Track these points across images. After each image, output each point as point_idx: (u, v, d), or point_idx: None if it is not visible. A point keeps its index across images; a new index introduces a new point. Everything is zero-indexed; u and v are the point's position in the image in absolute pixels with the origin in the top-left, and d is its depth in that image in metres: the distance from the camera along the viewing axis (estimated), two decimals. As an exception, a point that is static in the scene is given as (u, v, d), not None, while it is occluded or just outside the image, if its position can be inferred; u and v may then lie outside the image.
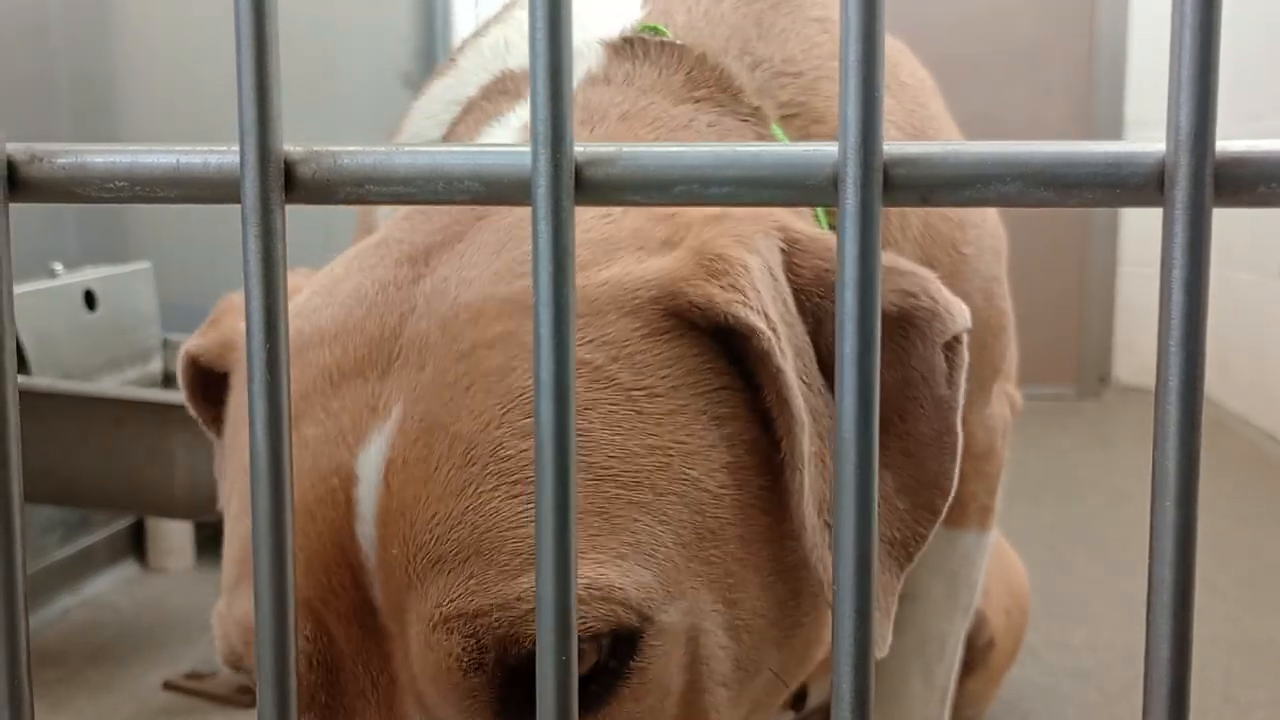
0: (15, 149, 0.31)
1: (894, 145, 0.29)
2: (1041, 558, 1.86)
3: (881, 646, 0.55)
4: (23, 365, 1.54)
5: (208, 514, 1.47)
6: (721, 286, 0.51)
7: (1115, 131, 3.23)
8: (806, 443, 0.51)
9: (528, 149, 0.29)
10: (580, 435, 0.48)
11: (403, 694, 0.49)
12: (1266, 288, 2.77)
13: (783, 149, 0.30)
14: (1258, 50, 2.78)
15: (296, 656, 0.46)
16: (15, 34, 1.72)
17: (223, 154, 0.31)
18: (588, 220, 0.55)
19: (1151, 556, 0.27)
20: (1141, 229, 3.29)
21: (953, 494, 0.55)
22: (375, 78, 2.61)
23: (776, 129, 0.70)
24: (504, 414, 0.48)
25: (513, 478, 0.47)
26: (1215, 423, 2.87)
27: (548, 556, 0.29)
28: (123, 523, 1.86)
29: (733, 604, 0.52)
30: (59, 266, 1.70)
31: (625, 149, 0.30)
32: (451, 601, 0.47)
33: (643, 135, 0.65)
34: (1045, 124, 3.21)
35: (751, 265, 0.52)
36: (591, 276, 0.52)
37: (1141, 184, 0.27)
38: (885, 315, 0.54)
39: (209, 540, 1.92)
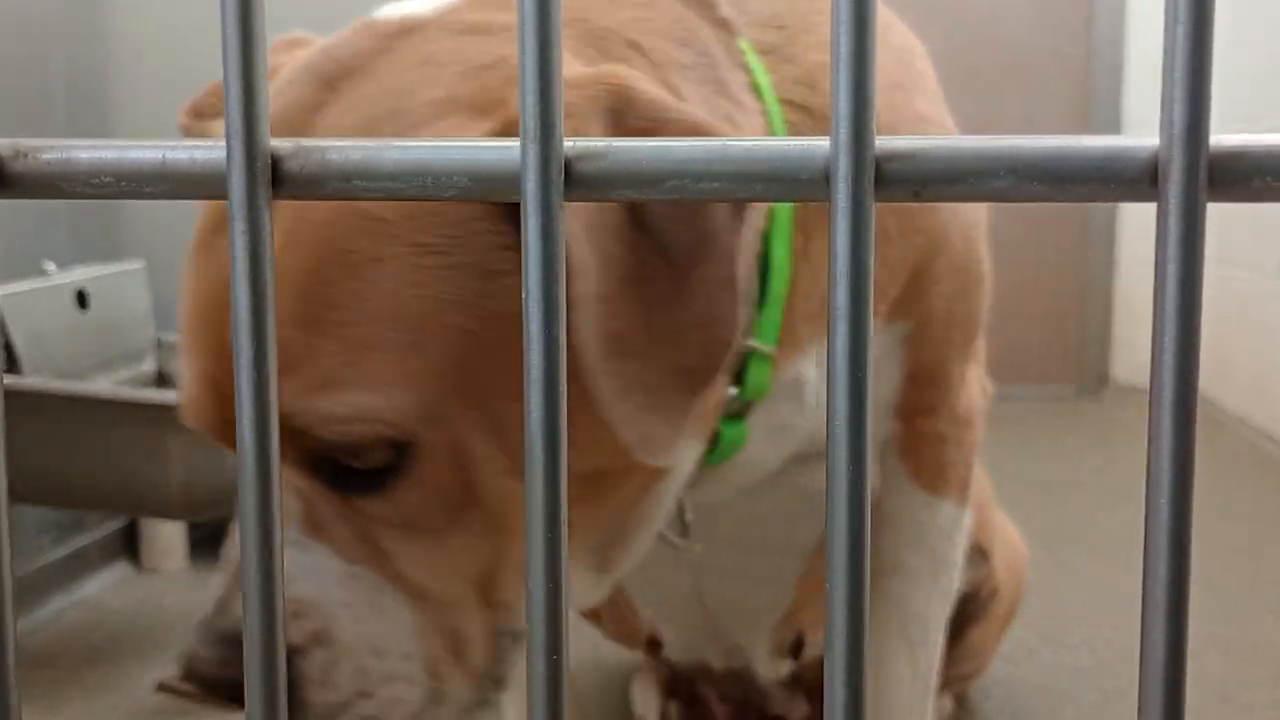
0: (0, 144, 0.31)
1: (886, 140, 0.28)
2: (1041, 558, 1.86)
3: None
4: (14, 365, 1.53)
5: (201, 514, 1.47)
6: None
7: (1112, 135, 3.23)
8: (589, 285, 0.58)
9: (517, 144, 0.29)
10: (368, 285, 0.58)
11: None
12: (1265, 286, 2.77)
13: (774, 144, 0.29)
14: (1257, 53, 2.78)
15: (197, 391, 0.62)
16: (10, 32, 1.71)
17: (209, 149, 0.30)
18: (405, 74, 0.63)
19: (1146, 554, 0.27)
20: (1140, 228, 3.29)
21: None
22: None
23: (752, 58, 0.73)
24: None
25: None
26: (1214, 423, 2.87)
27: (538, 549, 0.29)
28: (116, 523, 1.86)
29: (501, 429, 0.61)
30: (51, 265, 1.70)
31: (615, 144, 0.30)
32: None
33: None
34: (1043, 130, 3.22)
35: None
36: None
37: (1135, 178, 0.27)
38: None
39: (203, 541, 1.91)
